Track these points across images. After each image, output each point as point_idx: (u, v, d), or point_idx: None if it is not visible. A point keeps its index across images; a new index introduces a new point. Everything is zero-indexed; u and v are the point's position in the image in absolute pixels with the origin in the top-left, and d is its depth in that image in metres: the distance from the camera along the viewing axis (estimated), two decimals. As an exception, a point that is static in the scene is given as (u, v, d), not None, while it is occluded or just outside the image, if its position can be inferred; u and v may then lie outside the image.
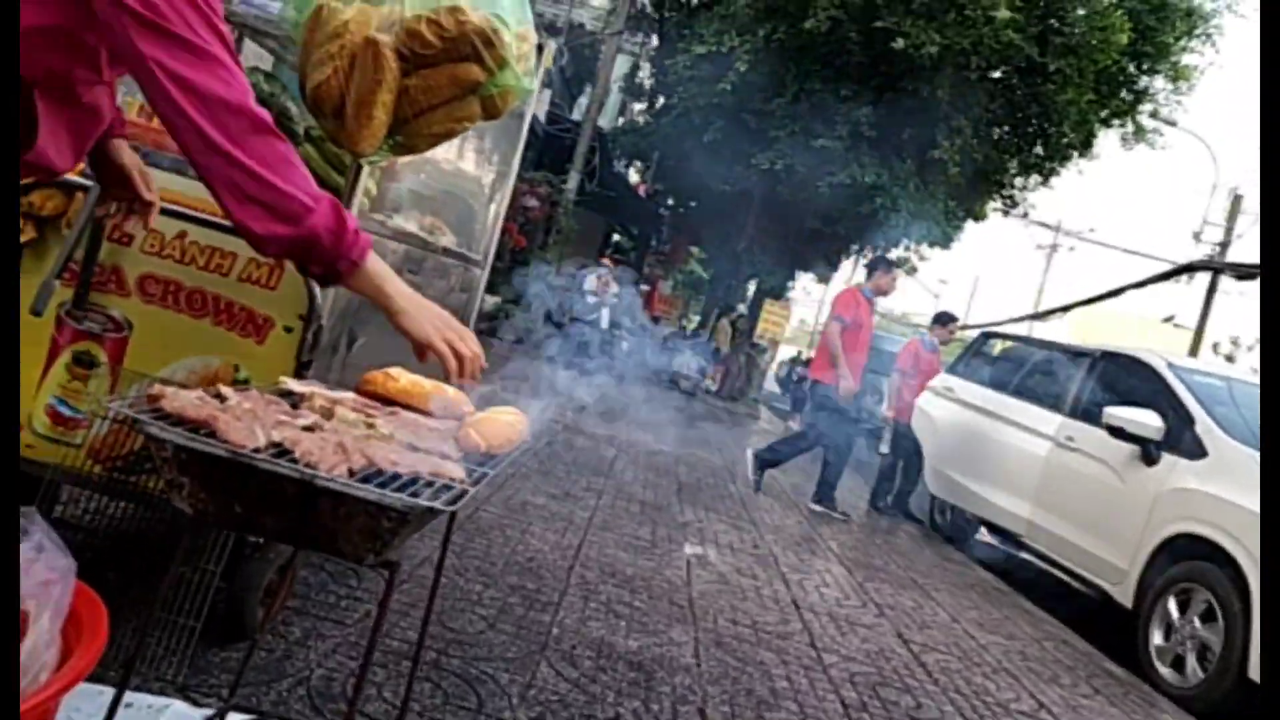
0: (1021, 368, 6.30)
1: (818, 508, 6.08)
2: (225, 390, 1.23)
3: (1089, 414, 5.24)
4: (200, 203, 1.88)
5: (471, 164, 3.00)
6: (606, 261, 12.34)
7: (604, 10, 15.51)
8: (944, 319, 6.95)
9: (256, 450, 1.04)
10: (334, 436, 1.14)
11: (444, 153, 2.71)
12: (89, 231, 1.83)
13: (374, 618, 1.08)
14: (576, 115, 16.16)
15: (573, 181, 12.57)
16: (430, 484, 1.12)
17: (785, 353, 23.45)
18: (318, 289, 1.85)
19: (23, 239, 1.82)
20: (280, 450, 1.07)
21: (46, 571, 0.88)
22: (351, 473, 1.06)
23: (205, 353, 1.93)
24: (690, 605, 3.26)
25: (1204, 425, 4.42)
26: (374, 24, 1.58)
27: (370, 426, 1.27)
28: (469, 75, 1.60)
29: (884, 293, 6.23)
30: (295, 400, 1.35)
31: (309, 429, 1.17)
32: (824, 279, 16.92)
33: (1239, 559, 3.69)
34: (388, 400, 1.53)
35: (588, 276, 11.14)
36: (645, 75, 15.21)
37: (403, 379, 1.55)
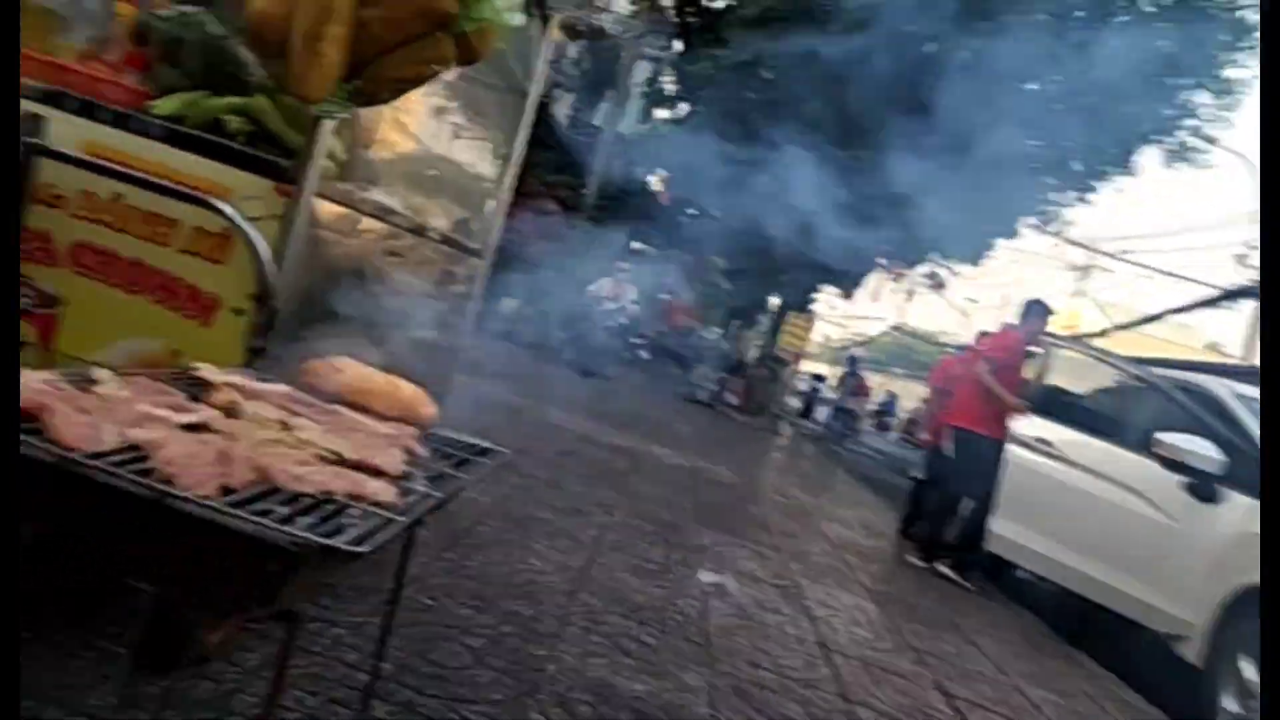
0: (1064, 392, 5.84)
1: (950, 572, 5.40)
2: (100, 373, 0.94)
3: (1141, 445, 4.80)
4: (140, 161, 1.62)
5: (467, 141, 2.73)
6: (623, 266, 12.05)
7: (626, 15, 15.33)
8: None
9: (98, 455, 0.75)
10: (219, 441, 0.84)
11: (437, 127, 2.44)
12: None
13: (272, 678, 0.81)
14: (598, 121, 15.96)
15: (593, 186, 12.32)
16: (344, 509, 0.82)
17: (808, 369, 23.02)
18: (271, 266, 1.57)
19: (-73, 199, 1.56)
20: (132, 457, 0.77)
21: None
22: (227, 490, 0.77)
23: (145, 335, 1.66)
24: (706, 643, 2.93)
25: (1282, 463, 3.98)
26: (328, -61, 1.30)
27: (285, 428, 0.98)
28: (438, 5, 1.31)
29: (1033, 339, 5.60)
30: (199, 392, 1.06)
31: (191, 428, 0.88)
32: (848, 293, 16.49)
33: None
34: (334, 398, 1.24)
35: (604, 283, 10.86)
36: (668, 80, 14.98)
37: (349, 371, 1.26)
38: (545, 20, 2.38)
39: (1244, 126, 15.41)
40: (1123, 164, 12.44)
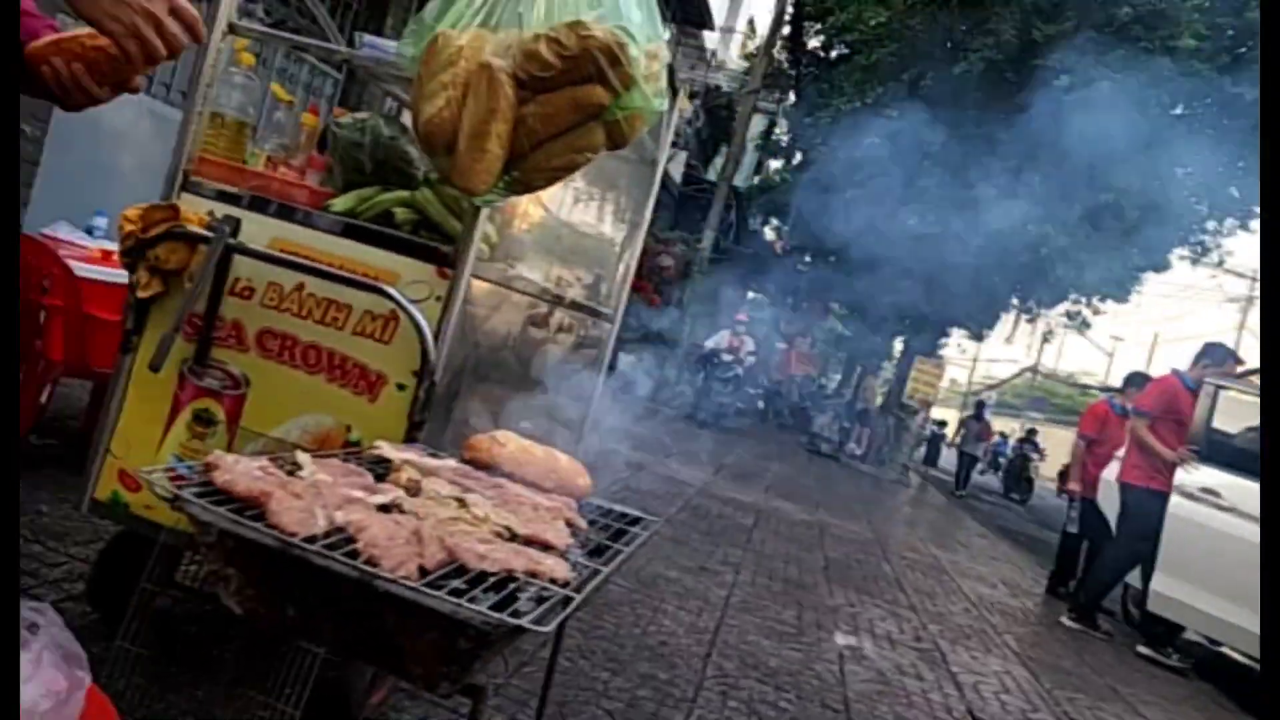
0: (1229, 435, 5.32)
1: (1075, 625, 5.18)
2: (301, 458, 1.05)
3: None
4: (320, 254, 1.79)
5: (601, 213, 2.84)
6: (742, 318, 12.04)
7: (739, 71, 15.60)
8: (1139, 381, 6.05)
9: (311, 538, 0.83)
10: (411, 522, 0.91)
11: (572, 200, 2.56)
12: (210, 285, 1.78)
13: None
14: (711, 176, 16.20)
15: (707, 240, 12.46)
16: (525, 587, 0.87)
17: (938, 416, 21.96)
18: (431, 343, 1.69)
19: (148, 293, 1.78)
20: (340, 539, 0.85)
21: (39, 694, 0.69)
22: (424, 571, 0.83)
23: (319, 410, 1.81)
24: (846, 710, 2.82)
25: None
26: (489, 49, 1.42)
27: (461, 505, 1.05)
28: (592, 97, 1.40)
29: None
30: (383, 471, 1.16)
31: (385, 509, 0.96)
32: (978, 336, 15.76)
33: None
34: (494, 469, 1.31)
35: (721, 335, 10.88)
36: (782, 132, 15.05)
37: (511, 444, 1.34)
38: (675, 92, 2.47)
39: None
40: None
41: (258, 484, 0.89)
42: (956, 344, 17.89)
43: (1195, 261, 13.06)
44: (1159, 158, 10.47)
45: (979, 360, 40.82)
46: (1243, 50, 10.21)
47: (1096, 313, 14.00)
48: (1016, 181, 10.61)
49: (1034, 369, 37.76)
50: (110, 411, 1.85)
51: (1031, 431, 16.78)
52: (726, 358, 10.54)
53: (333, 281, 1.74)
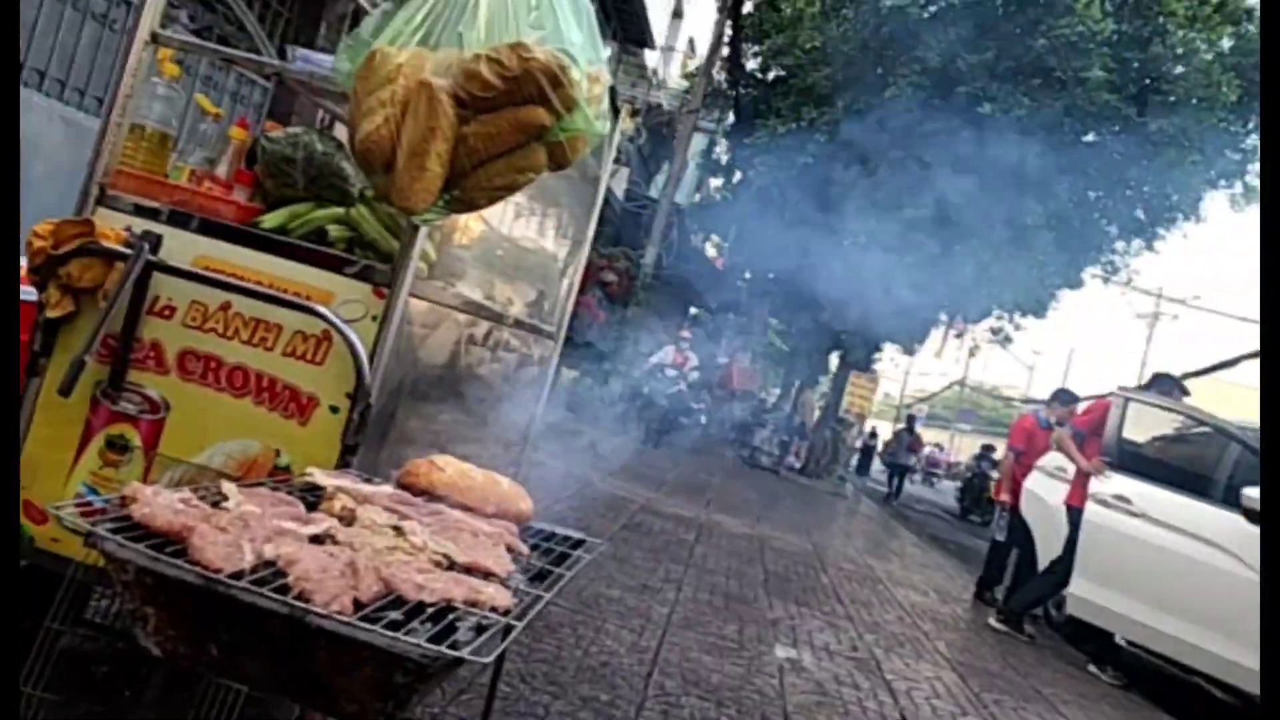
0: (1140, 445, 5.60)
1: (1002, 627, 5.37)
2: (227, 488, 1.00)
3: (1225, 499, 4.58)
4: (249, 272, 1.73)
5: (544, 231, 2.83)
6: (685, 334, 12.13)
7: (680, 90, 15.80)
8: (1065, 397, 6.31)
9: (238, 574, 0.79)
10: (345, 553, 0.88)
11: (514, 218, 2.54)
12: (128, 303, 1.70)
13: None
14: (653, 192, 16.33)
15: (650, 256, 12.54)
16: (465, 616, 0.84)
17: (874, 428, 22.49)
18: (366, 364, 1.64)
19: (59, 313, 1.69)
20: (269, 574, 0.82)
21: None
22: (359, 605, 0.80)
23: (245, 435, 1.74)
24: (786, 724, 2.84)
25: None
26: (429, 67, 1.40)
27: (399, 534, 1.02)
28: (534, 119, 1.39)
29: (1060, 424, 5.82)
30: (315, 499, 1.12)
31: (318, 540, 0.92)
32: (910, 350, 16.23)
33: None
34: (433, 495, 1.28)
35: (665, 351, 10.94)
36: (722, 151, 15.29)
37: (450, 468, 1.31)
38: (617, 112, 2.48)
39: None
40: (1190, 211, 12.13)
41: (179, 518, 0.84)
42: (889, 358, 18.38)
43: (1106, 280, 13.74)
44: (1072, 181, 11.01)
45: (911, 374, 42.04)
46: (1147, 82, 10.83)
47: (1018, 328, 14.59)
48: (943, 203, 11.00)
49: (962, 382, 39.09)
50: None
51: (988, 448, 17.32)
52: (671, 373, 10.59)
53: (261, 300, 1.68)
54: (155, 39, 1.84)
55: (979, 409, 43.29)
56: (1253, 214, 12.55)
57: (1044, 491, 6.12)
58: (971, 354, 17.26)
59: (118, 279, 1.66)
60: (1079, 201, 11.40)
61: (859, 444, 18.83)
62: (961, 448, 41.98)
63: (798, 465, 13.85)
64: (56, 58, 5.09)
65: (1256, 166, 12.13)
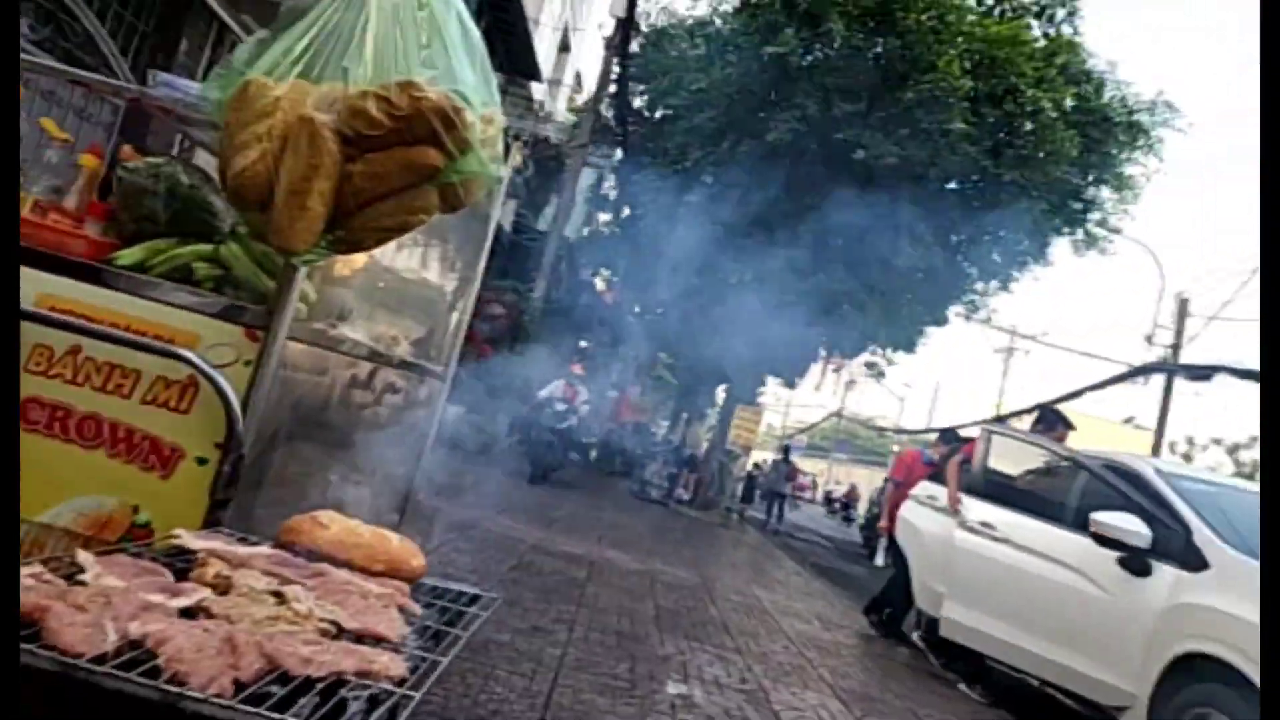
0: (1003, 475, 6.03)
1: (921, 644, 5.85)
2: (83, 558, 0.91)
3: (1076, 523, 4.98)
4: (102, 313, 1.59)
5: (431, 268, 2.77)
6: (576, 369, 12.11)
7: (568, 123, 15.95)
8: (949, 437, 6.77)
9: (101, 658, 0.71)
10: (222, 628, 0.81)
11: (401, 255, 2.47)
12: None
13: None
14: (542, 225, 16.34)
15: (539, 289, 12.50)
16: (358, 689, 0.79)
17: (757, 458, 23.18)
18: (239, 412, 1.54)
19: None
20: (138, 656, 0.74)
21: None
22: (240, 685, 0.74)
23: (98, 491, 1.59)
24: (680, 765, 2.82)
25: (1202, 535, 4.18)
26: (311, 101, 1.35)
27: (280, 601, 0.95)
28: (424, 159, 1.36)
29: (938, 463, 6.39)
30: (186, 565, 1.03)
31: (189, 613, 0.85)
32: (791, 384, 16.86)
33: (1254, 680, 3.37)
34: (317, 554, 1.20)
35: (555, 385, 10.86)
36: (610, 186, 15.51)
37: (334, 525, 1.24)
38: (508, 150, 2.47)
39: (1144, 218, 16.65)
40: (1039, 255, 13.25)
41: (30, 596, 0.75)
42: (772, 391, 19.01)
43: (968, 318, 14.78)
44: (938, 226, 11.83)
45: (792, 406, 43.58)
46: (1001, 136, 11.82)
47: (890, 363, 15.43)
48: (821, 244, 11.55)
49: (839, 413, 40.88)
50: None
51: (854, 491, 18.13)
52: (560, 407, 10.51)
53: (116, 344, 1.55)
54: None
55: (854, 439, 45.36)
56: (1092, 259, 13.85)
57: (917, 518, 6.45)
58: (849, 387, 18.10)
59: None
60: (944, 245, 12.25)
61: (744, 474, 19.37)
62: (839, 476, 43.84)
63: (686, 497, 14.02)
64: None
65: (1095, 215, 13.45)
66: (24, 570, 0.81)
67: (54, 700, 0.72)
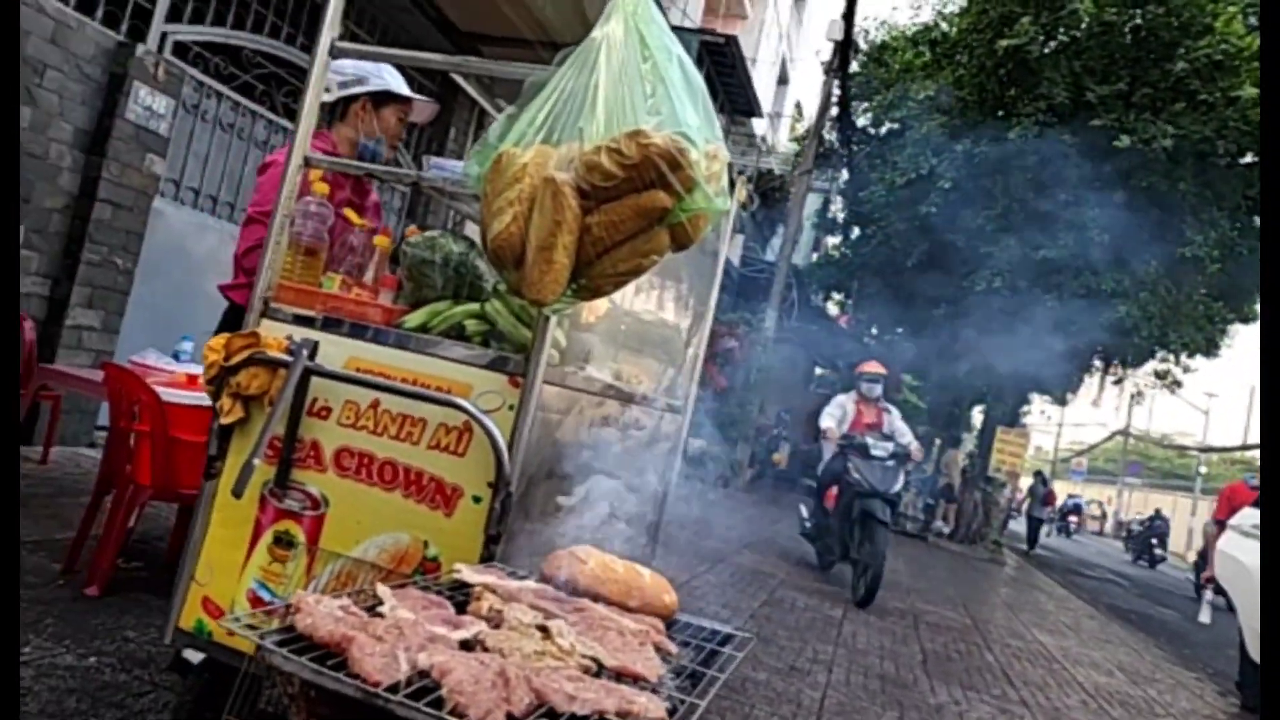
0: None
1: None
2: (382, 591, 1.01)
3: None
4: (395, 370, 1.81)
5: (667, 307, 2.84)
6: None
7: (790, 153, 15.86)
8: None
9: (395, 687, 0.78)
10: (496, 661, 0.86)
11: (639, 297, 2.56)
12: (290, 407, 1.81)
13: None
14: (769, 255, 16.31)
15: (770, 319, 12.43)
16: (620, 729, 0.80)
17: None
18: (505, 453, 1.67)
19: (230, 419, 1.83)
20: (425, 685, 0.81)
21: None
22: (512, 718, 0.77)
23: (396, 529, 1.79)
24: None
25: None
26: (552, 163, 1.45)
27: (545, 635, 0.99)
28: (655, 203, 1.40)
29: None
30: (464, 597, 1.11)
31: (468, 645, 0.91)
32: (1062, 400, 15.09)
33: None
34: (574, 589, 1.25)
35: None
36: (838, 209, 15.14)
37: (591, 561, 1.28)
38: (733, 185, 2.49)
39: None
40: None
41: (339, 628, 0.85)
42: (1040, 410, 17.15)
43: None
44: (1233, 206, 10.10)
45: (1065, 426, 39.05)
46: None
47: (1186, 370, 13.29)
48: (1085, 241, 10.35)
49: (1125, 432, 35.90)
50: (195, 538, 1.87)
51: (1158, 513, 15.94)
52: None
53: (407, 397, 1.75)
54: (308, 162, 2.01)
55: (1148, 460, 39.49)
56: None
57: (1240, 552, 5.43)
58: (1134, 400, 15.86)
59: (280, 385, 1.78)
60: (1243, 227, 10.42)
61: (1019, 505, 17.66)
62: (1131, 504, 38.30)
63: (946, 530, 13.02)
64: (225, 183, 5.71)
65: None
66: (335, 602, 0.92)
67: (361, 722, 0.80)
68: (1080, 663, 5.65)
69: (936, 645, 5.17)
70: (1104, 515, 37.20)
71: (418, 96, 2.71)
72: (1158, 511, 23.53)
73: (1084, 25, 10.39)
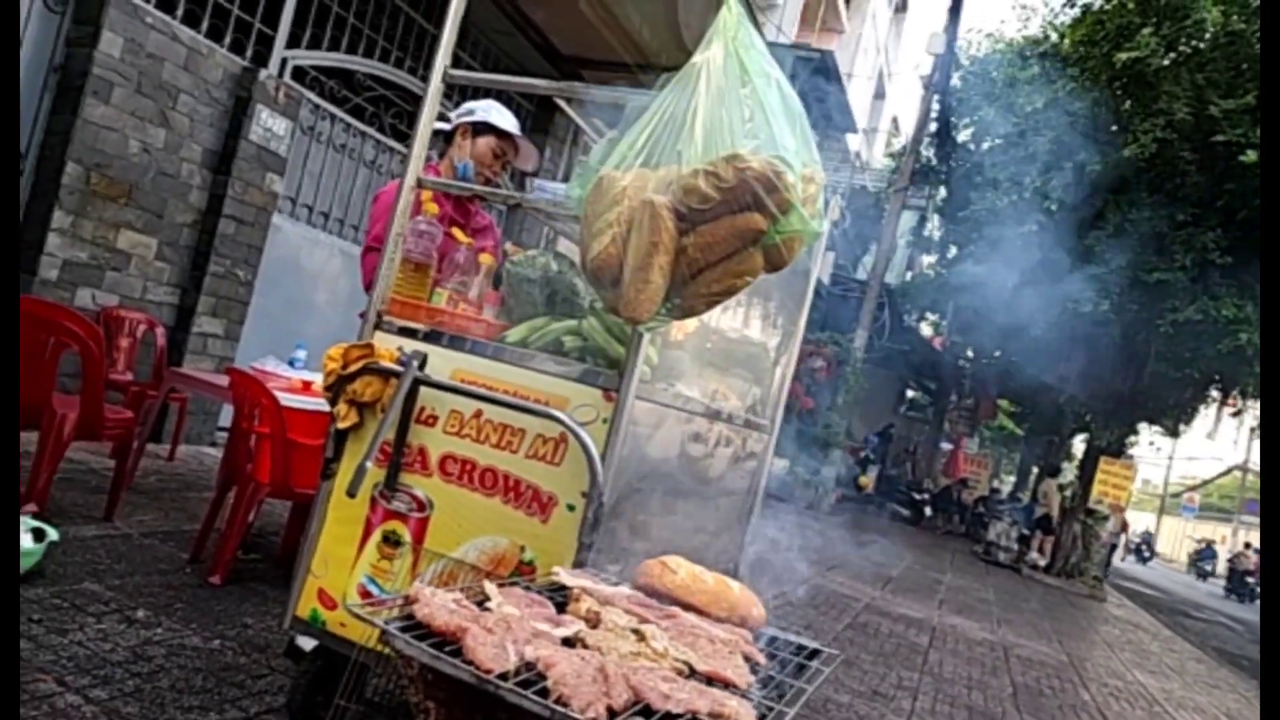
0: None
1: None
2: (489, 588, 1.09)
3: None
4: (496, 382, 1.91)
5: (755, 326, 2.87)
6: (900, 415, 11.29)
7: (885, 169, 15.57)
8: None
9: (505, 675, 0.85)
10: (595, 658, 0.92)
11: (727, 316, 2.60)
12: (400, 414, 1.93)
13: None
14: (860, 273, 16.01)
15: (860, 339, 12.19)
16: (711, 730, 0.84)
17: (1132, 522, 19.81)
18: (599, 464, 1.73)
19: (346, 424, 1.96)
20: (531, 676, 0.87)
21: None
22: (611, 711, 0.83)
23: (495, 532, 1.88)
24: None
25: None
26: (651, 186, 1.51)
27: (640, 638, 1.04)
28: (750, 225, 1.45)
29: None
30: (563, 599, 1.18)
31: (569, 642, 0.97)
32: (1173, 432, 14.17)
33: None
34: (664, 597, 1.30)
35: (869, 436, 9.89)
36: (934, 227, 14.74)
37: (682, 571, 1.33)
38: (826, 203, 2.51)
39: None
40: None
41: (454, 619, 0.93)
42: (1148, 441, 16.14)
43: None
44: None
45: (1175, 459, 36.59)
46: None
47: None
48: (1202, 262, 9.75)
49: (1244, 467, 33.36)
50: (311, 533, 2.01)
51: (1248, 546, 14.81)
52: (870, 457, 8.70)
53: (508, 408, 1.84)
54: (420, 184, 2.15)
55: (1271, 497, 36.43)
56: None
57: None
58: (1254, 434, 14.74)
59: (392, 393, 1.90)
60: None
61: (1120, 540, 16.66)
62: (1250, 541, 35.52)
63: (1043, 562, 12.42)
64: (336, 200, 6.06)
65: None
66: (448, 595, 1.00)
67: (471, 706, 0.87)
68: (1184, 706, 5.32)
69: (1028, 679, 4.96)
70: (1215, 555, 35.00)
71: (519, 135, 2.80)
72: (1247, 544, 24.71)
73: (1209, 35, 9.83)
